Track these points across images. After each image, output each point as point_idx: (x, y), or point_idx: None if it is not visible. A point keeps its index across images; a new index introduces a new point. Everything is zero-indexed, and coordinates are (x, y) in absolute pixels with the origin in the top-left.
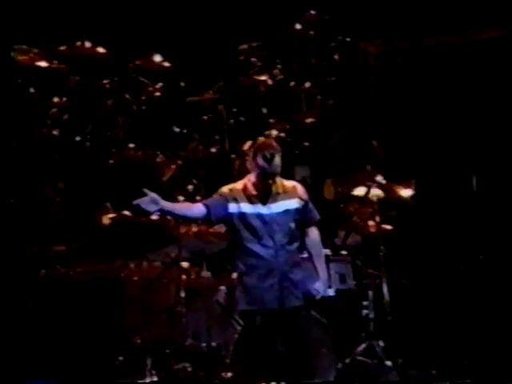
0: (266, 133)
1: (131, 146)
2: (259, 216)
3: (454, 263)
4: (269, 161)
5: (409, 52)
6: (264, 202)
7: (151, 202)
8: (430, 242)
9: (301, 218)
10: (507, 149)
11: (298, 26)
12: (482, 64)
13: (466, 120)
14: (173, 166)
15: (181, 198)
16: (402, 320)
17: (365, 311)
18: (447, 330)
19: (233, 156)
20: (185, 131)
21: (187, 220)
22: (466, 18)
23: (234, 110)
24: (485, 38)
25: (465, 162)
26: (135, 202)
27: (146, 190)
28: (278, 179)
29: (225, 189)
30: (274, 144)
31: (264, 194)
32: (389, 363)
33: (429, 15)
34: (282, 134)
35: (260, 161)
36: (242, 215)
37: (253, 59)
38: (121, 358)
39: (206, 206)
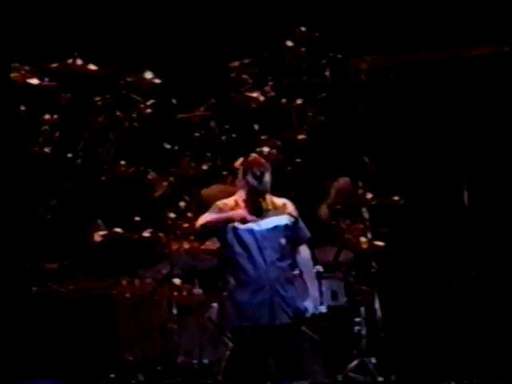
0: (258, 149)
1: (123, 162)
2: (250, 232)
3: (447, 279)
4: (258, 179)
5: (399, 68)
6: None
7: None
8: (421, 258)
9: (291, 234)
10: (498, 164)
11: (289, 43)
12: (473, 80)
13: (457, 135)
14: (164, 183)
15: (172, 214)
16: (394, 336)
17: (357, 327)
18: (440, 346)
19: (224, 173)
20: (176, 148)
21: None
22: (457, 35)
23: (226, 126)
24: (475, 54)
25: (456, 177)
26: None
27: None
28: (268, 196)
29: (219, 203)
30: (264, 162)
31: (254, 210)
32: (381, 379)
33: (420, 32)
34: (274, 151)
35: (250, 179)
36: (235, 230)
37: (244, 76)
38: (112, 375)
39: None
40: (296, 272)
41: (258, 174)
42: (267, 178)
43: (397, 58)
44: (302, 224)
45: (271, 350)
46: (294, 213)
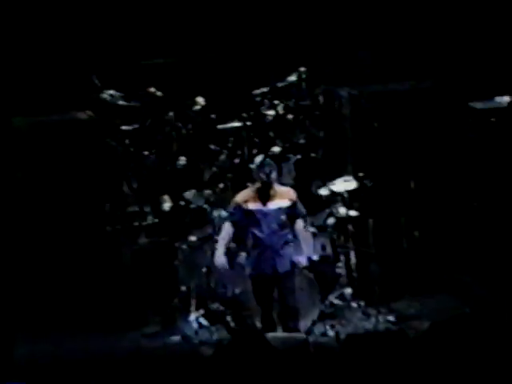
0: (272, 149)
1: (182, 158)
2: (260, 211)
3: (400, 239)
4: (267, 175)
5: (373, 95)
6: (264, 202)
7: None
8: (381, 222)
9: (290, 213)
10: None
11: (293, 78)
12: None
13: (418, 143)
14: (209, 172)
15: (217, 189)
16: (363, 275)
17: (338, 270)
18: (395, 281)
19: (250, 165)
20: (218, 148)
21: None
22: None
23: (251, 133)
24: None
25: (412, 168)
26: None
27: None
28: (276, 185)
29: (238, 197)
30: (271, 163)
31: (264, 196)
32: (354, 304)
33: (388, 67)
34: (283, 150)
35: (261, 175)
36: (249, 211)
37: (264, 100)
38: (176, 300)
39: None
40: (295, 235)
41: (267, 171)
42: (274, 174)
43: (371, 88)
44: (299, 205)
45: (277, 286)
46: (294, 198)
